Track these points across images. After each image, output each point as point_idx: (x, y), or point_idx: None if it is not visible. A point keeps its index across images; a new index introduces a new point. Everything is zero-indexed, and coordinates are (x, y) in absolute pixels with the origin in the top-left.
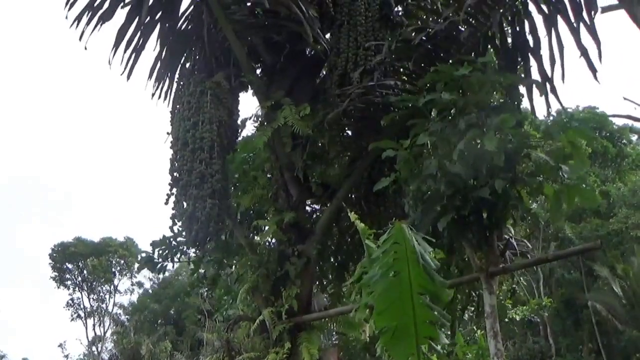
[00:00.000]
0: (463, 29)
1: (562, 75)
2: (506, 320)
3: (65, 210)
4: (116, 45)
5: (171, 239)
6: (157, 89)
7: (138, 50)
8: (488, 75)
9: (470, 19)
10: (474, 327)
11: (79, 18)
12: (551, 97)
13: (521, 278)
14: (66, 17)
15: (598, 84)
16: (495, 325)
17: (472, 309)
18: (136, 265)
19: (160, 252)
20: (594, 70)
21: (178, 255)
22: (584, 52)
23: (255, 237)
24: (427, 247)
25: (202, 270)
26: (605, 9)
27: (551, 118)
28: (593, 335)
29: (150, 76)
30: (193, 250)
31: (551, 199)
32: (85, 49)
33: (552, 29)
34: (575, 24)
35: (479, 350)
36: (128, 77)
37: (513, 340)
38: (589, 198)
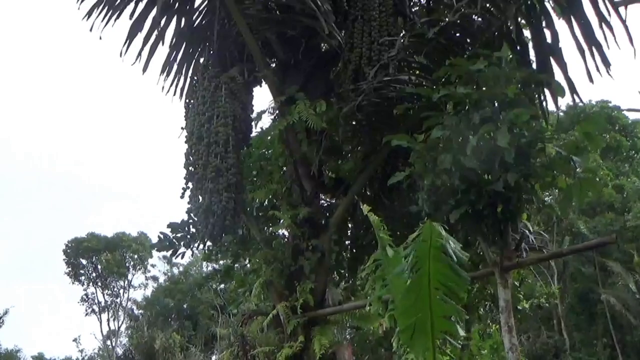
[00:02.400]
0: (477, 23)
1: (608, 65)
2: (519, 308)
3: (74, 207)
4: (130, 37)
5: (190, 224)
6: (172, 84)
7: (154, 43)
8: (503, 69)
9: (486, 13)
10: (489, 322)
11: (93, 9)
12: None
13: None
14: (78, 9)
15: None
16: (509, 320)
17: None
18: (150, 260)
19: (178, 236)
20: (607, 64)
21: (196, 244)
22: (597, 45)
23: (270, 229)
24: (457, 243)
25: (218, 264)
26: (624, 2)
27: (561, 114)
28: (607, 330)
29: (163, 70)
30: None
31: (563, 192)
32: (100, 38)
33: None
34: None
35: (494, 345)
36: (144, 70)
37: (527, 335)
38: (598, 189)
